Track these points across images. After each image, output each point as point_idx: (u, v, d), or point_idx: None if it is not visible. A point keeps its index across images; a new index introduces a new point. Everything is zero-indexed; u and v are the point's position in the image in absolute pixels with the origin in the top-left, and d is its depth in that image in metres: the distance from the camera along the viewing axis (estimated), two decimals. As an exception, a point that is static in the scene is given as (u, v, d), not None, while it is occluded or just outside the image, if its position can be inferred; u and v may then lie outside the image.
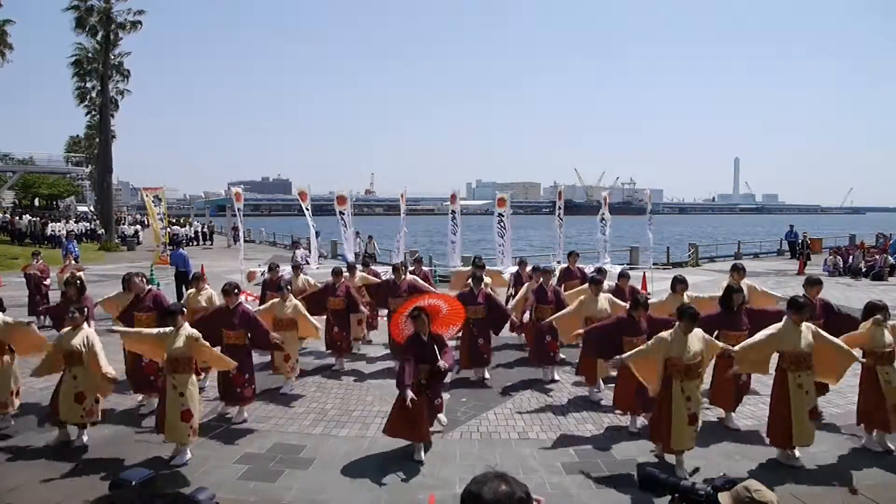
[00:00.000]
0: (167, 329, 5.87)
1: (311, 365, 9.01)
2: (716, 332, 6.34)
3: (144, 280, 7.80)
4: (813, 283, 6.97)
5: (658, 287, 14.81)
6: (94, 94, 36.63)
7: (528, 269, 9.79)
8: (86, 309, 6.45)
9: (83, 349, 5.90)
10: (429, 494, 4.97)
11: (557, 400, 7.51)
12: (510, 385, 8.08)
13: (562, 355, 8.68)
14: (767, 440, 5.72)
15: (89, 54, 34.76)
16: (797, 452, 5.55)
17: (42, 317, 11.73)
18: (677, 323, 5.51)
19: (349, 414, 6.98)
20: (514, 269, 11.13)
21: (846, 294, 15.78)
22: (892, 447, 5.75)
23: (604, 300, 7.69)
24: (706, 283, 18.29)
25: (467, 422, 6.73)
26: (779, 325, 5.62)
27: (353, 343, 9.51)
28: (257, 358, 7.65)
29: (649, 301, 6.99)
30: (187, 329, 5.85)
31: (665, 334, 5.50)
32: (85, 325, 6.11)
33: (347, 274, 9.79)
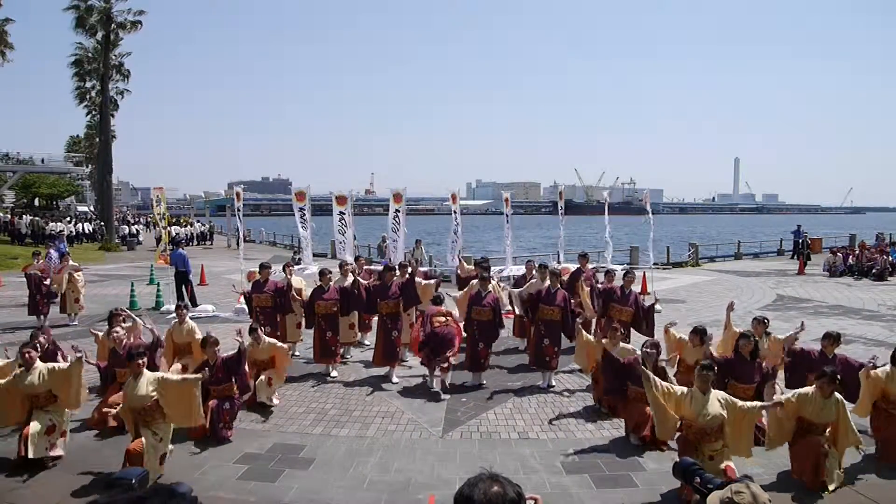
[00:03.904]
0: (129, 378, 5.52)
1: (309, 365, 8.92)
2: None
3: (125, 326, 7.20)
4: (830, 339, 6.33)
5: (658, 287, 14.82)
6: (94, 94, 36.71)
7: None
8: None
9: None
10: (429, 495, 4.96)
11: (557, 400, 7.50)
12: (510, 386, 8.08)
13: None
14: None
15: (89, 54, 34.80)
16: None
17: (42, 317, 11.75)
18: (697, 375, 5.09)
19: (349, 414, 6.98)
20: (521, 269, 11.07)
21: (846, 294, 15.77)
22: None
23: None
24: (706, 283, 18.35)
25: (467, 422, 6.72)
26: (807, 390, 5.34)
27: (345, 349, 9.14)
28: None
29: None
30: (148, 375, 5.50)
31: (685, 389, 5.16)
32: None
33: (337, 275, 9.22)
